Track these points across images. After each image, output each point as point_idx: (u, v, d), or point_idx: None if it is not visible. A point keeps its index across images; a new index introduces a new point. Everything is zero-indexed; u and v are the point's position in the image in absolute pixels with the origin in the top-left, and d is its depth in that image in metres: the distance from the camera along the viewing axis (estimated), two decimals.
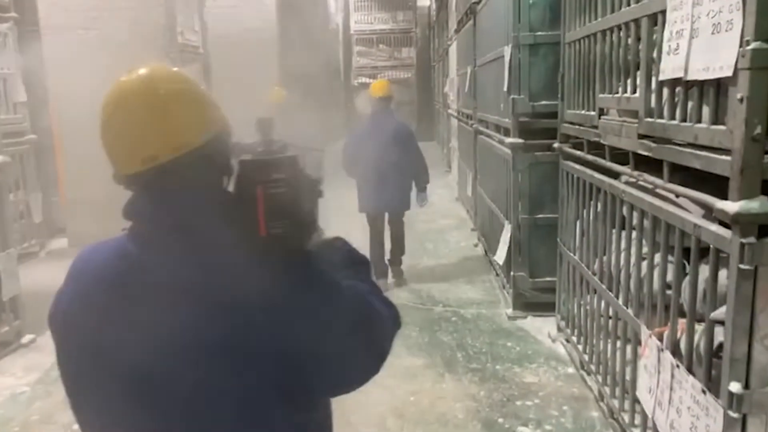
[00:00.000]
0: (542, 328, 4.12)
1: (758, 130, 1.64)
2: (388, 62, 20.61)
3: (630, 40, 2.54)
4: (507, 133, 4.48)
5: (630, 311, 2.66)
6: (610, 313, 2.95)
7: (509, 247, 4.36)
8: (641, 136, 2.39)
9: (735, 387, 1.74)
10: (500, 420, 3.08)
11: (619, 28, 2.63)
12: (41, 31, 6.37)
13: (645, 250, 2.59)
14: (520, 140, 4.18)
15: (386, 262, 5.28)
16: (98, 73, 7.28)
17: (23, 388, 3.48)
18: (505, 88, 4.27)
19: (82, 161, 6.62)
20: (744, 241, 1.69)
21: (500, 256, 4.49)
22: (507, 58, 4.18)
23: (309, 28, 15.25)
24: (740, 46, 1.64)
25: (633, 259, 2.66)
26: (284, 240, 1.00)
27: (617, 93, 2.69)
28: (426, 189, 5.46)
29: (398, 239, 5.32)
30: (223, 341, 0.96)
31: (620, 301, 2.78)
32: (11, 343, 3.99)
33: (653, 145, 2.29)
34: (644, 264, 2.58)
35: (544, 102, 4.09)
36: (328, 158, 1.39)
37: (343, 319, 1.03)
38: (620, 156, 2.76)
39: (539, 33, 4.06)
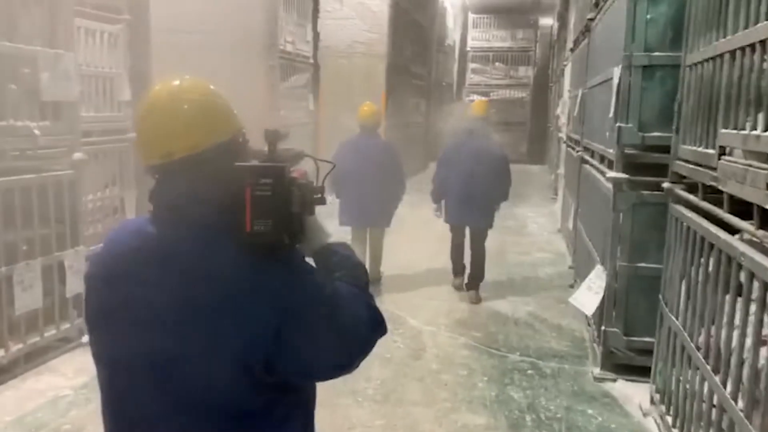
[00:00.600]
0: (633, 396, 3.51)
1: None
2: (503, 80, 20.00)
3: (766, 64, 2.00)
4: (610, 165, 3.92)
5: (738, 406, 2.08)
6: (714, 400, 2.36)
7: (603, 298, 3.79)
8: None
9: None
10: None
11: (752, 48, 2.08)
12: (151, 33, 6.56)
13: (766, 331, 2.02)
14: (624, 175, 3.61)
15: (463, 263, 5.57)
16: (200, 76, 7.36)
17: (67, 392, 3.43)
18: (611, 114, 3.73)
19: None
20: None
21: (588, 305, 3.91)
22: (615, 81, 3.65)
23: (423, 43, 15.11)
24: None
25: (749, 341, 2.09)
26: (265, 236, 1.15)
27: (744, 129, 2.13)
28: (499, 206, 5.64)
29: (478, 259, 5.41)
30: (196, 313, 1.15)
31: (727, 391, 2.20)
32: (72, 340, 4.00)
33: None
34: (764, 350, 2.01)
35: (656, 133, 3.51)
36: None
37: (313, 313, 1.18)
38: (742, 207, 2.20)
39: (656, 53, 3.49)
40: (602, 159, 4.44)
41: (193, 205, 1.19)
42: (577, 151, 6.24)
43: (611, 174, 3.68)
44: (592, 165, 4.95)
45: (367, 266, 4.72)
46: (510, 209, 10.50)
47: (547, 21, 22.14)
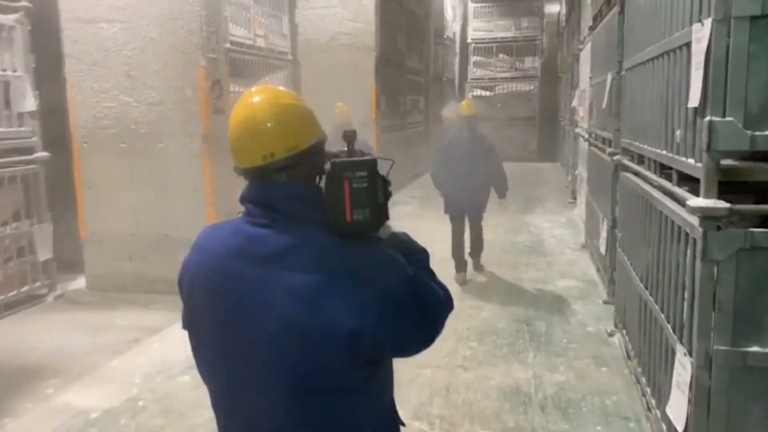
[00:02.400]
0: None
1: None
2: (508, 73, 18.50)
3: None
4: (691, 185, 2.49)
5: None
6: None
7: (689, 399, 2.34)
8: None
9: None
10: None
11: None
12: (62, 25, 5.19)
13: None
14: (723, 204, 2.17)
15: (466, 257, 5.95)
16: (125, 75, 5.56)
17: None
18: (694, 103, 2.28)
19: (107, 184, 5.38)
20: None
21: (677, 415, 2.45)
22: (701, 45, 2.20)
23: (419, 35, 13.67)
24: None
25: None
26: (364, 225, 1.27)
27: None
28: (506, 195, 6.08)
29: (477, 237, 6.08)
30: (306, 301, 1.22)
31: None
32: None
33: None
34: None
35: None
36: None
37: (405, 293, 1.28)
38: None
39: None
40: (662, 169, 3.00)
41: (293, 202, 1.29)
42: (612, 155, 4.79)
43: (698, 202, 2.23)
44: (641, 177, 3.50)
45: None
46: (522, 217, 9.06)
47: (553, 8, 20.67)
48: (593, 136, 6.55)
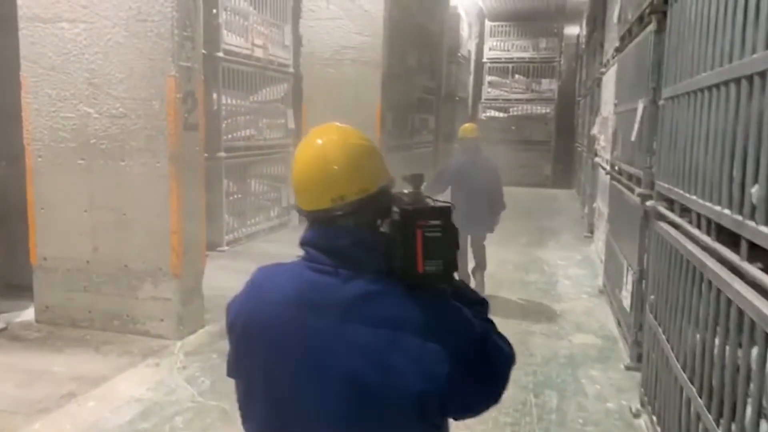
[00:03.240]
0: None
1: None
2: (523, 95, 17.84)
3: None
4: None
5: None
6: None
7: None
8: None
9: None
10: None
11: None
12: (19, 24, 4.59)
13: None
14: None
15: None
16: (86, 82, 4.85)
17: None
18: None
19: (62, 205, 4.75)
20: None
21: None
22: None
23: (432, 52, 13.05)
24: None
25: None
26: (435, 277, 1.19)
27: None
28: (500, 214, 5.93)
29: (481, 252, 5.91)
30: (373, 357, 1.15)
31: None
32: None
33: None
34: None
35: None
36: None
37: (474, 352, 1.20)
38: None
39: None
40: (718, 230, 2.30)
41: (360, 249, 1.21)
42: (642, 198, 4.09)
43: None
44: (685, 233, 2.79)
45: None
46: (534, 252, 8.33)
47: (573, 30, 20.05)
48: (617, 169, 5.85)
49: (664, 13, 3.98)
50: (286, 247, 8.50)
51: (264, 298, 1.26)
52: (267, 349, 1.23)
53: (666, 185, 3.19)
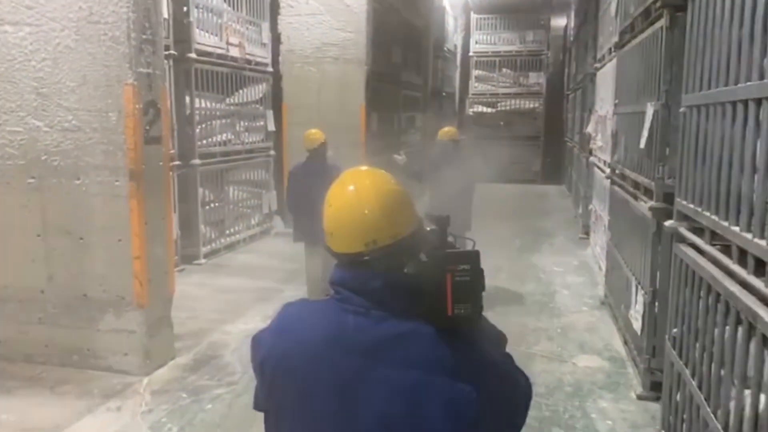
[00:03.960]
0: None
1: None
2: (511, 89, 17.46)
3: None
4: None
5: None
6: None
7: None
8: None
9: None
10: None
11: None
12: None
13: None
14: None
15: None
16: (34, 92, 4.37)
17: None
18: None
19: (12, 228, 4.26)
20: None
21: None
22: None
23: (417, 47, 12.56)
24: None
25: None
26: (464, 320, 1.21)
27: None
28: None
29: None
30: (404, 398, 1.17)
31: None
32: None
33: None
34: None
35: None
36: None
37: (500, 392, 1.22)
38: None
39: None
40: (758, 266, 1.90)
41: (392, 291, 1.23)
42: (655, 214, 3.70)
43: None
44: (719, 265, 2.39)
45: (321, 282, 5.27)
46: (529, 257, 7.94)
47: (560, 21, 19.68)
48: (618, 173, 5.47)
49: (677, 7, 3.59)
50: (267, 258, 8.05)
51: (296, 337, 1.28)
52: (299, 387, 1.25)
53: (691, 206, 2.79)
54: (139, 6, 3.86)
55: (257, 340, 1.35)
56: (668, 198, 3.76)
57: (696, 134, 2.77)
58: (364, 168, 1.36)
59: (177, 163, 6.85)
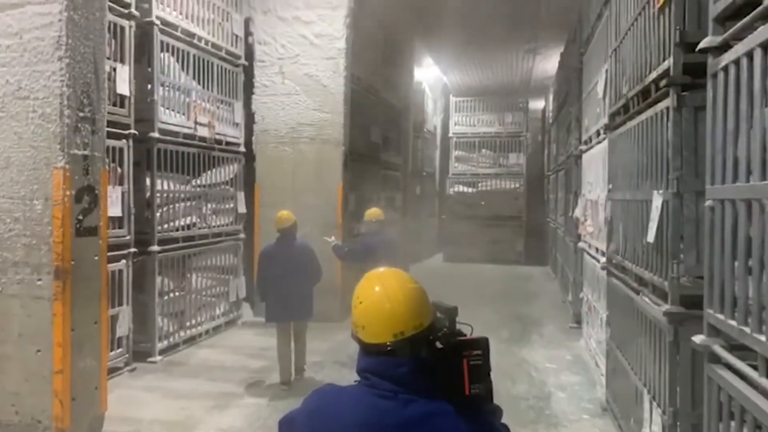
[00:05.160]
0: None
1: None
2: (491, 169, 17.32)
3: None
4: None
5: None
6: None
7: None
8: None
9: None
10: None
11: None
12: None
13: None
14: None
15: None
16: None
17: None
18: None
19: None
20: None
21: None
22: None
23: (397, 128, 12.34)
24: None
25: None
26: (479, 398, 1.44)
27: None
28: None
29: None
30: None
31: None
32: None
33: None
34: None
35: None
36: None
37: None
38: None
39: None
40: None
41: (417, 376, 1.41)
42: (673, 318, 3.16)
43: None
44: None
45: (292, 361, 5.88)
46: (518, 351, 7.26)
47: (538, 104, 19.92)
48: (616, 265, 4.97)
49: (685, 86, 3.21)
50: (230, 353, 7.02)
51: (329, 421, 1.41)
52: None
53: (732, 323, 2.25)
54: (77, 80, 3.38)
55: (289, 422, 1.51)
56: (685, 301, 3.25)
57: (732, 233, 2.27)
58: (384, 269, 1.57)
59: (133, 250, 6.22)
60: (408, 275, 1.54)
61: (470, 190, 17.24)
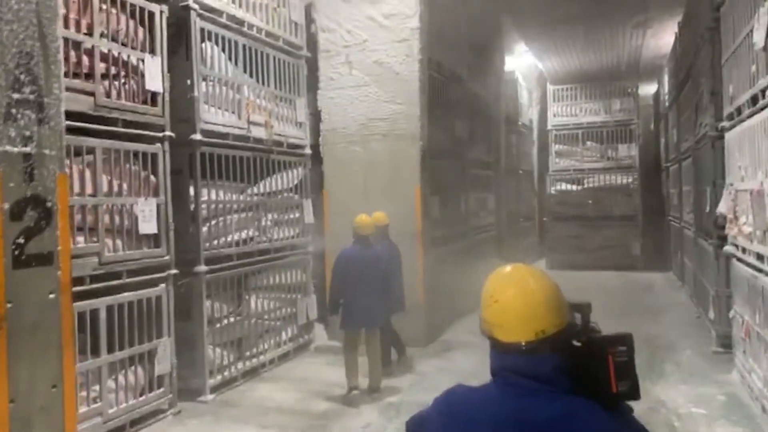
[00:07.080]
0: None
1: None
2: (599, 163, 15.36)
3: None
4: None
5: None
6: None
7: None
8: None
9: None
10: None
11: None
12: None
13: None
14: None
15: None
16: None
17: None
18: None
19: None
20: None
21: None
22: None
23: (486, 121, 10.91)
24: None
25: None
26: (627, 395, 1.41)
27: None
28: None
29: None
30: None
31: None
32: None
33: None
34: None
35: None
36: None
37: None
38: None
39: None
40: None
41: (559, 373, 1.40)
42: None
43: None
44: None
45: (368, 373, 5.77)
46: (649, 387, 5.48)
47: (647, 89, 17.68)
48: None
49: None
50: (294, 390, 5.77)
51: (469, 420, 1.42)
52: None
53: None
54: (7, 48, 2.39)
55: (418, 423, 1.56)
56: None
57: None
58: (515, 265, 1.55)
59: (174, 272, 5.33)
60: (540, 271, 1.52)
61: (575, 187, 15.40)
